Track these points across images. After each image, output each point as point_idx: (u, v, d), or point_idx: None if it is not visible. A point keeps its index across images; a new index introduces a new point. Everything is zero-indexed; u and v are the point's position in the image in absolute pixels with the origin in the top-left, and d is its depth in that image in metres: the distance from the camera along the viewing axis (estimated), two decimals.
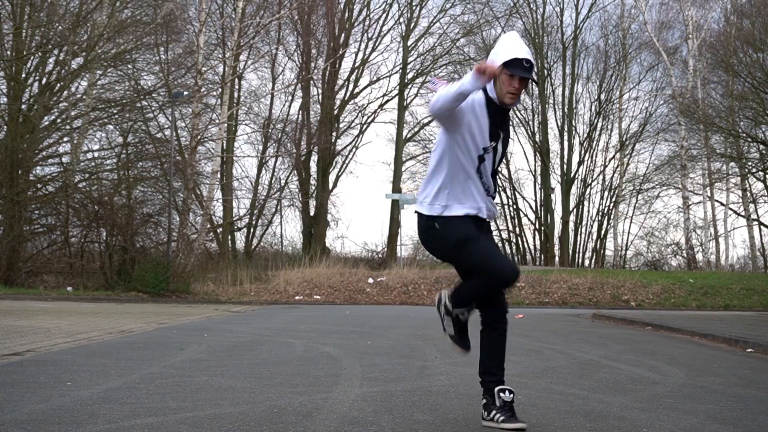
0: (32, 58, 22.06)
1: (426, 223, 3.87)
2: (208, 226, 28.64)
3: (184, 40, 27.16)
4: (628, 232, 41.16)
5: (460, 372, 6.00)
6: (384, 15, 36.58)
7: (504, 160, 3.99)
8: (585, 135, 40.12)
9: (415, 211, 3.95)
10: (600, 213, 40.25)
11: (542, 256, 39.45)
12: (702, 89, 34.29)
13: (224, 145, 28.91)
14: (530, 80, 3.68)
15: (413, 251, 36.34)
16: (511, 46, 3.67)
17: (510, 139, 3.97)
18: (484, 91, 3.74)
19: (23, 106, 21.44)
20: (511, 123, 4.06)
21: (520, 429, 3.77)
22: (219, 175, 29.07)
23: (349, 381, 5.40)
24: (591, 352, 7.99)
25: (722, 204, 36.78)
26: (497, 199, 4.23)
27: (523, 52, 3.65)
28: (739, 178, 34.50)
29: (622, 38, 39.85)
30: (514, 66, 3.59)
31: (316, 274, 24.40)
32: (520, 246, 40.76)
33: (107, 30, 22.14)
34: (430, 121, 36.98)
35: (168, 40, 25.44)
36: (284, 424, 3.84)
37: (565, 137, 39.78)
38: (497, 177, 3.94)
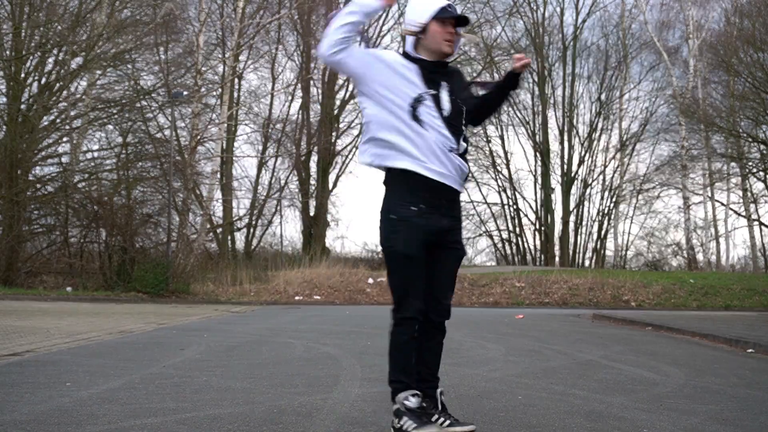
0: (31, 58, 22.05)
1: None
2: (208, 226, 28.65)
3: (183, 40, 27.17)
4: (629, 233, 41.31)
5: (460, 372, 5.99)
6: (384, 15, 36.58)
7: (480, 129, 3.40)
8: (585, 135, 40.15)
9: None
10: (600, 213, 40.29)
11: (542, 256, 39.45)
12: (702, 89, 34.30)
13: (224, 145, 28.91)
14: (462, 23, 3.55)
15: None
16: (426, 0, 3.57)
17: (472, 99, 3.55)
18: (402, 54, 3.60)
19: (22, 106, 21.42)
20: (468, 80, 3.66)
21: None
22: (219, 175, 29.07)
23: (349, 381, 5.38)
24: (591, 353, 7.98)
25: (723, 204, 36.82)
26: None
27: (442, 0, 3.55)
28: (739, 178, 34.51)
29: (622, 38, 39.87)
30: (443, 13, 3.52)
31: (315, 274, 24.38)
32: (520, 246, 40.78)
33: (107, 30, 22.12)
34: None
35: (168, 40, 25.44)
36: (284, 424, 3.83)
37: (566, 137, 39.81)
38: (462, 136, 3.48)
